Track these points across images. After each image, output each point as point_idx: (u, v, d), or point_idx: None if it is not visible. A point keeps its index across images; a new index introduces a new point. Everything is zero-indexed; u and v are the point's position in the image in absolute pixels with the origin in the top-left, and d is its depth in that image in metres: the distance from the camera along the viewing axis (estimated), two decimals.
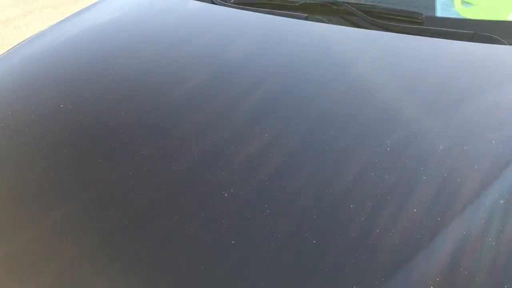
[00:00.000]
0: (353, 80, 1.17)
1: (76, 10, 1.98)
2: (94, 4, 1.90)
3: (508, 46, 1.27)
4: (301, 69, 1.23)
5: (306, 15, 1.50)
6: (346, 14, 1.48)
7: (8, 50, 1.63)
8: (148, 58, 1.36)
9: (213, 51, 1.37)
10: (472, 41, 1.30)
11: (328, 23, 1.46)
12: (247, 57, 1.31)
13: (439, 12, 1.46)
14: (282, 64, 1.26)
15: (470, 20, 1.40)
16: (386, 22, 1.40)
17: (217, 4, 1.71)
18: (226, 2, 1.73)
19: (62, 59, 1.43)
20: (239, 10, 1.62)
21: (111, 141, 1.04)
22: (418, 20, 1.41)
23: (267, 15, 1.55)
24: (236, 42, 1.41)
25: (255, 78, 1.20)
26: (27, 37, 1.84)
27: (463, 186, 0.83)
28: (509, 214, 0.79)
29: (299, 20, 1.49)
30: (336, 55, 1.29)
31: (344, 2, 1.50)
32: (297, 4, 1.58)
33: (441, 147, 0.92)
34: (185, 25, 1.58)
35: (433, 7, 1.49)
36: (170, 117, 1.10)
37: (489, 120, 1.01)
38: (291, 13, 1.53)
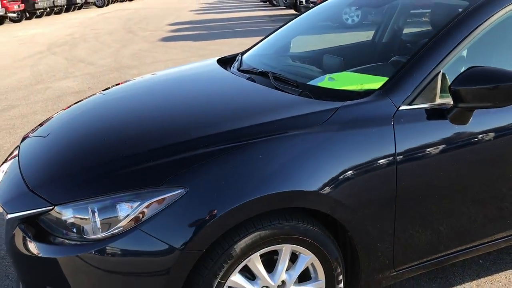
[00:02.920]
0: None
1: None
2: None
3: (314, 100, 2.09)
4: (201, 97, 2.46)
5: (248, 76, 2.57)
6: (266, 77, 2.48)
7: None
8: (159, 85, 2.76)
9: (191, 88, 2.68)
10: (298, 96, 2.17)
11: (253, 82, 2.48)
12: (194, 91, 2.58)
13: (312, 81, 2.34)
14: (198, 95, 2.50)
15: (315, 86, 2.26)
16: (279, 84, 2.37)
17: (227, 70, 2.89)
18: (239, 70, 2.88)
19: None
20: (228, 72, 2.78)
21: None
22: (294, 84, 2.32)
23: (234, 75, 2.67)
24: (199, 83, 2.66)
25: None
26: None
27: None
28: None
29: (241, 78, 2.56)
30: (229, 93, 2.47)
31: (272, 72, 2.50)
32: (257, 71, 2.64)
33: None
34: (194, 76, 2.90)
35: (313, 78, 2.39)
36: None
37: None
38: (247, 75, 2.61)
